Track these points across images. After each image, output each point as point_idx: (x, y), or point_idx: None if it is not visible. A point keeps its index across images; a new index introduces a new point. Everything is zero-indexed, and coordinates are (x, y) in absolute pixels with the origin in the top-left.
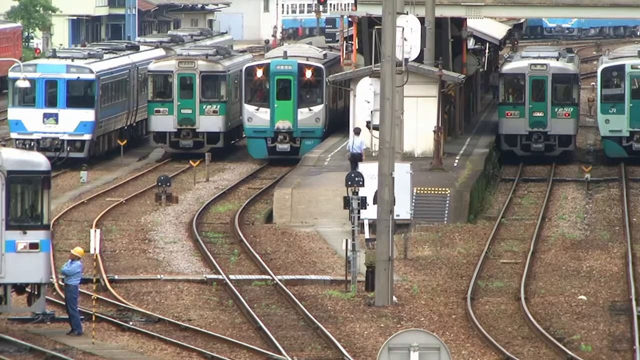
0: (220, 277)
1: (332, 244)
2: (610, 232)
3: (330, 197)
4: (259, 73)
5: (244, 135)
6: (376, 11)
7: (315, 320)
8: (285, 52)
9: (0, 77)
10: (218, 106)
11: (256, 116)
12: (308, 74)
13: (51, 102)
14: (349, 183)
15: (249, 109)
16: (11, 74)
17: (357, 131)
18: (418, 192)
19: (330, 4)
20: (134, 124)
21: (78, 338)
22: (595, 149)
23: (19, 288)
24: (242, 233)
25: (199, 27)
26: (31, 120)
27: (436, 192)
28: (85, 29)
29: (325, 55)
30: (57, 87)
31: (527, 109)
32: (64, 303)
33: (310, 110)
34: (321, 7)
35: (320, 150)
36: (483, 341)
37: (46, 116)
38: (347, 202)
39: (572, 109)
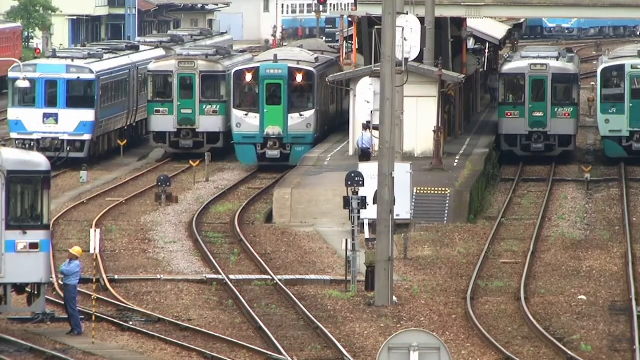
0: (220, 277)
1: (332, 244)
2: (610, 232)
3: (330, 197)
4: (248, 77)
5: (232, 142)
6: (376, 11)
7: (315, 320)
8: (275, 56)
9: (0, 77)
10: (218, 106)
11: (245, 122)
12: (299, 78)
13: (51, 102)
14: (349, 183)
15: (237, 114)
16: (11, 74)
17: (365, 126)
18: (418, 192)
19: (330, 4)
20: (134, 124)
21: (78, 338)
22: (595, 149)
23: (19, 288)
24: (242, 233)
25: (199, 27)
26: (31, 120)
27: (436, 192)
28: (85, 29)
29: (316, 58)
30: (57, 87)
31: (527, 109)
32: (63, 303)
33: (301, 115)
34: (321, 7)
35: (320, 150)
36: (483, 341)
37: (46, 116)
38: (347, 202)
39: (572, 109)
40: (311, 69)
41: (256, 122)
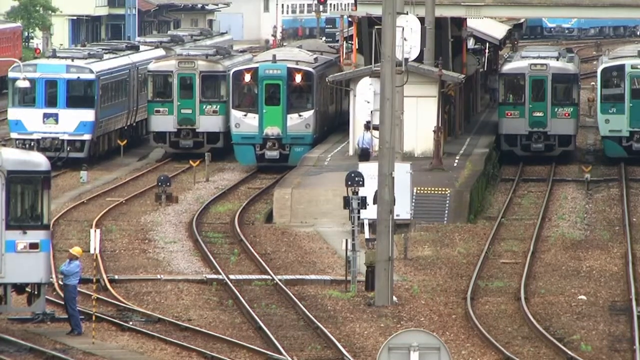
0: (220, 277)
1: (332, 244)
2: (610, 232)
3: (330, 197)
4: (247, 77)
5: (231, 142)
6: (376, 11)
7: (315, 320)
8: (274, 56)
9: (0, 77)
10: (218, 106)
11: (244, 122)
12: (298, 78)
13: (51, 102)
14: (349, 183)
15: (236, 114)
16: (11, 74)
17: (367, 126)
18: (418, 192)
19: (330, 4)
20: (134, 124)
21: (78, 338)
22: (595, 149)
23: (19, 288)
24: (242, 233)
25: (199, 27)
26: (31, 120)
27: (436, 192)
28: (85, 29)
29: (315, 59)
30: (57, 87)
31: (527, 108)
32: (63, 303)
33: (300, 116)
34: (321, 7)
35: (320, 150)
36: (483, 341)
37: (46, 116)
38: (347, 202)
39: (572, 109)
40: (310, 69)
41: (255, 122)
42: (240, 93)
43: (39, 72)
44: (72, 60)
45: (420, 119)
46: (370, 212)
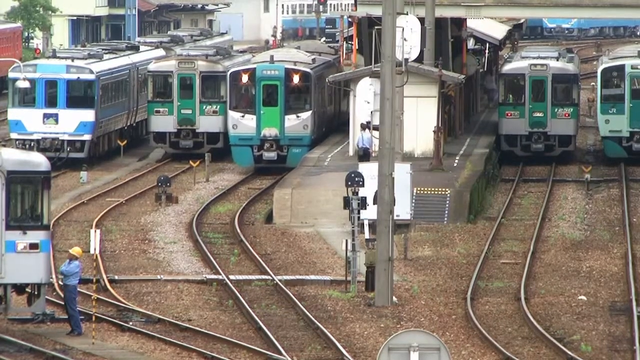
0: (220, 277)
1: (332, 244)
2: (610, 232)
3: (330, 197)
4: (245, 78)
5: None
6: (376, 11)
7: (315, 321)
8: (271, 57)
9: (0, 77)
10: (218, 106)
11: (241, 123)
12: (295, 79)
13: (51, 102)
14: (349, 183)
15: (234, 115)
16: (11, 74)
17: (364, 126)
18: (418, 192)
19: (330, 4)
20: (134, 124)
21: (78, 338)
22: (595, 149)
23: (19, 288)
24: (242, 233)
25: (199, 27)
26: (31, 120)
27: (436, 192)
28: (85, 29)
29: (314, 59)
30: (57, 87)
31: (527, 109)
32: (63, 303)
33: (297, 117)
34: (321, 7)
35: (320, 150)
36: (483, 341)
37: (46, 116)
38: (347, 202)
39: (572, 109)
40: (308, 70)
41: (253, 123)
42: (237, 94)
43: (39, 72)
44: (72, 61)
45: (420, 119)
46: (370, 213)
